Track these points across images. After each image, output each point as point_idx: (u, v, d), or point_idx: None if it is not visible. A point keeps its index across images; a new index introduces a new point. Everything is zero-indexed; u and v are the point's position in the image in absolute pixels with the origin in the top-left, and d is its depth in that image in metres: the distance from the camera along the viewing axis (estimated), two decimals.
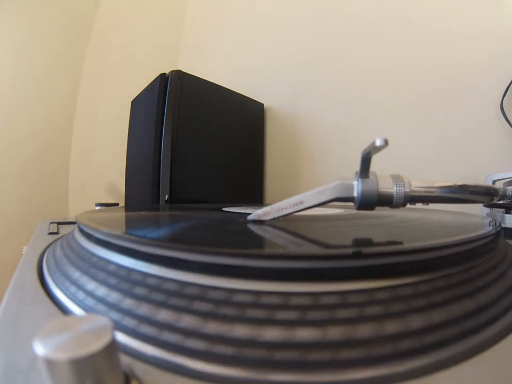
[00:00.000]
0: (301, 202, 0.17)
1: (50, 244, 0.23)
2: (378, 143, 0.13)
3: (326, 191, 0.16)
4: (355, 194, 0.16)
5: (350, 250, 0.12)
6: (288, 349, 0.08)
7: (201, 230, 0.18)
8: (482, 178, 0.32)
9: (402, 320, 0.09)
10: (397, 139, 0.47)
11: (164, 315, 0.10)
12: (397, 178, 0.16)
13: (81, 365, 0.06)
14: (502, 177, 0.30)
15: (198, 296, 0.10)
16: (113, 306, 0.11)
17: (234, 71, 0.78)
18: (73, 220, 0.32)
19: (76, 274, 0.14)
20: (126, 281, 0.12)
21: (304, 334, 0.09)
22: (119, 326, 0.10)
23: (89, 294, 0.12)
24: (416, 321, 0.09)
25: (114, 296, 0.11)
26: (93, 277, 0.13)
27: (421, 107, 0.46)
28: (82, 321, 0.07)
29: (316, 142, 0.59)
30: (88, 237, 0.16)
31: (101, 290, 0.12)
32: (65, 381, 0.06)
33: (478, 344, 0.10)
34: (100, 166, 0.99)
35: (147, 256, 0.12)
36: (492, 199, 0.18)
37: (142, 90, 0.57)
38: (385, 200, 0.16)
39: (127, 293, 0.11)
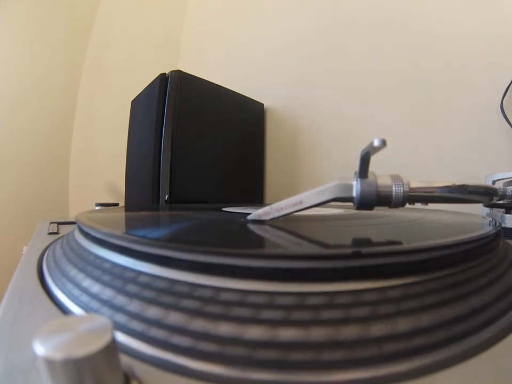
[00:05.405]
0: (301, 202, 0.17)
1: (50, 244, 0.23)
2: (376, 143, 0.13)
3: (325, 191, 0.17)
4: (354, 194, 0.16)
5: (337, 251, 0.12)
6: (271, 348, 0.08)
7: (200, 230, 0.18)
8: (482, 178, 0.32)
9: (389, 322, 0.09)
10: (396, 139, 0.47)
11: (153, 312, 0.10)
12: (395, 178, 0.16)
13: (81, 365, 0.06)
14: (502, 177, 0.30)
15: (186, 294, 0.10)
16: (114, 306, 0.11)
17: (234, 71, 0.78)
18: (73, 220, 0.32)
19: (76, 274, 0.14)
20: (125, 280, 0.12)
21: (288, 334, 0.09)
22: (118, 325, 0.10)
23: (89, 293, 0.12)
24: (403, 324, 0.09)
25: (115, 296, 0.11)
26: (93, 277, 0.13)
27: (421, 107, 0.46)
28: (82, 321, 0.07)
29: (315, 142, 0.59)
30: (88, 236, 0.16)
31: (97, 288, 0.12)
32: (65, 381, 0.06)
33: (477, 344, 0.10)
34: (100, 166, 0.99)
35: (143, 255, 0.12)
36: (491, 199, 0.18)
37: (142, 90, 0.57)
38: (384, 200, 0.16)
39: (126, 292, 0.11)
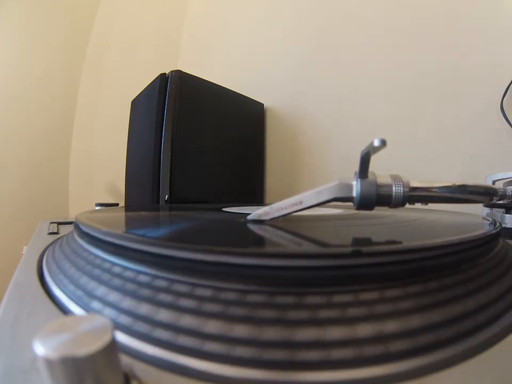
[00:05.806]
0: (301, 202, 0.17)
1: (50, 244, 0.23)
2: (376, 143, 0.13)
3: (325, 191, 0.17)
4: (354, 194, 0.16)
5: (335, 250, 0.12)
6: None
7: (200, 230, 0.18)
8: (482, 178, 0.32)
9: (388, 322, 0.09)
10: (396, 139, 0.47)
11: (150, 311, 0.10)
12: (395, 178, 0.16)
13: (81, 365, 0.06)
14: (502, 177, 0.30)
15: (185, 293, 0.10)
16: (112, 305, 0.11)
17: (234, 71, 0.78)
18: (73, 220, 0.32)
19: (76, 274, 0.14)
20: (126, 281, 0.12)
21: (270, 333, 0.09)
22: (117, 325, 0.10)
23: (89, 293, 0.12)
24: (403, 324, 0.09)
25: (113, 296, 0.11)
26: (93, 277, 0.13)
27: (421, 107, 0.46)
28: (82, 321, 0.07)
29: (316, 142, 0.59)
30: (88, 236, 0.16)
31: (100, 290, 0.12)
32: (65, 381, 0.06)
33: (477, 344, 0.10)
34: (100, 166, 0.99)
35: (140, 254, 0.12)
36: (491, 199, 0.18)
37: (142, 90, 0.57)
38: (384, 200, 0.16)
39: (127, 293, 0.11)
